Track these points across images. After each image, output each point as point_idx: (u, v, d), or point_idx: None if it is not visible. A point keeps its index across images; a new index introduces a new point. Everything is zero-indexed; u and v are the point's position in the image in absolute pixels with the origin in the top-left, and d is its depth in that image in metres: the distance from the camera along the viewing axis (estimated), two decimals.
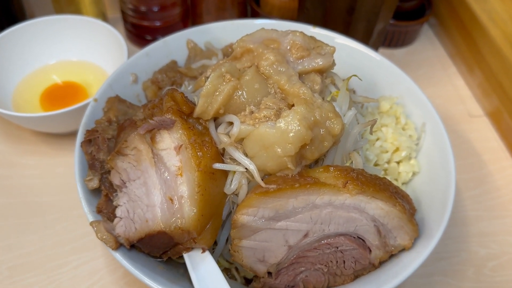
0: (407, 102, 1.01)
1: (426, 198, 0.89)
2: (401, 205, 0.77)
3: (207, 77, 0.84)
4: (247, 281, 0.87)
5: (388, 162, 0.94)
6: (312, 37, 0.87)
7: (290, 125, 0.71)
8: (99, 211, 0.79)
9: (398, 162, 0.94)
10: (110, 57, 1.26)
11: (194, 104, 0.80)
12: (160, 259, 0.79)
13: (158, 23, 1.37)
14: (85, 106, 1.05)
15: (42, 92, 1.24)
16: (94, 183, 0.80)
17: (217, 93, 0.77)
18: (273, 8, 1.40)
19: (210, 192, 0.73)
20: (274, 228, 0.73)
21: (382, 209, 0.76)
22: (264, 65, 0.80)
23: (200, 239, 0.73)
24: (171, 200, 0.73)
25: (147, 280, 0.72)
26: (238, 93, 0.78)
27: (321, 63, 0.83)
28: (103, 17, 1.48)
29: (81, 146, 0.84)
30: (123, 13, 1.39)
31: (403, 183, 0.94)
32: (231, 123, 0.78)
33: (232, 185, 0.76)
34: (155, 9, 1.34)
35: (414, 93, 0.99)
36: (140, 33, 1.41)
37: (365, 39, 1.19)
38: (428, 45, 1.53)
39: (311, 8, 1.19)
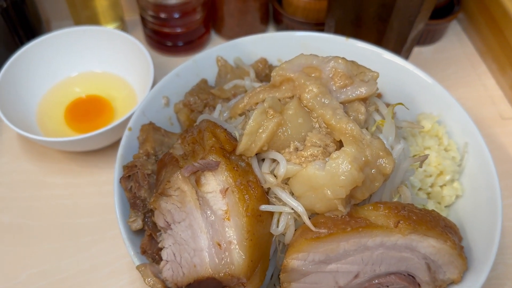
0: (447, 119, 0.98)
1: (471, 223, 0.88)
2: (451, 240, 0.75)
3: (248, 110, 0.82)
4: None
5: (432, 186, 0.92)
6: (354, 63, 0.83)
7: (341, 168, 0.69)
8: (143, 251, 0.78)
9: (441, 186, 0.92)
10: (133, 68, 1.23)
11: (236, 140, 0.78)
12: None
13: (179, 30, 1.33)
14: (116, 127, 1.03)
15: (66, 107, 1.21)
16: (138, 224, 0.78)
17: (261, 130, 0.75)
18: (297, 9, 1.35)
19: (258, 235, 0.72)
20: (324, 271, 0.72)
21: (433, 247, 0.74)
22: (307, 98, 0.77)
23: (249, 283, 0.72)
24: (219, 245, 0.71)
25: None
26: (282, 129, 0.76)
27: (365, 92, 0.80)
28: (121, 21, 1.43)
29: (120, 182, 0.82)
30: (143, 18, 1.35)
31: (445, 206, 0.92)
32: (274, 160, 0.76)
33: (280, 226, 0.74)
34: (176, 15, 1.29)
35: (455, 110, 0.96)
36: (160, 39, 1.37)
37: (398, 46, 1.15)
38: (456, 42, 1.48)
39: (341, 15, 1.15)
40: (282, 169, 0.73)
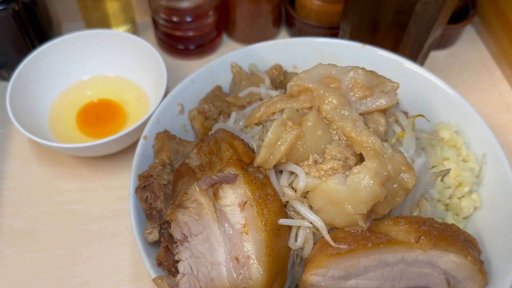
0: (465, 128, 0.96)
1: (489, 235, 0.86)
2: (472, 255, 0.74)
3: (266, 121, 0.81)
4: None
5: (450, 197, 0.90)
6: (374, 73, 0.82)
7: (363, 183, 0.68)
8: (159, 263, 0.77)
9: (460, 198, 0.90)
10: (145, 72, 1.22)
11: (253, 152, 0.77)
12: None
13: (191, 33, 1.32)
14: (129, 133, 1.02)
15: (77, 112, 1.20)
16: (154, 236, 0.77)
17: (280, 143, 0.73)
18: (310, 12, 1.34)
19: (276, 250, 0.71)
20: (344, 287, 0.71)
21: (454, 262, 0.73)
22: (326, 110, 0.76)
23: None
24: (237, 259, 0.70)
25: None
26: (301, 141, 0.74)
27: (385, 103, 0.79)
28: (132, 23, 1.42)
29: (136, 192, 0.81)
30: (154, 21, 1.33)
31: (463, 218, 0.91)
32: (293, 173, 0.75)
33: (298, 241, 0.73)
34: (188, 19, 1.28)
35: (473, 119, 0.94)
36: (172, 42, 1.36)
37: (414, 53, 1.14)
38: (470, 46, 1.46)
39: (357, 20, 1.13)
40: (302, 183, 0.71)
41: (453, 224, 0.78)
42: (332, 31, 1.32)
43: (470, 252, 0.74)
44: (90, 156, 1.16)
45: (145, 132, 0.90)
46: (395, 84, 0.81)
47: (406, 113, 1.05)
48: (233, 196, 0.72)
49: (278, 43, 1.06)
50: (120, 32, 1.24)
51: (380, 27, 1.10)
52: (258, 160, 0.74)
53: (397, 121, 0.83)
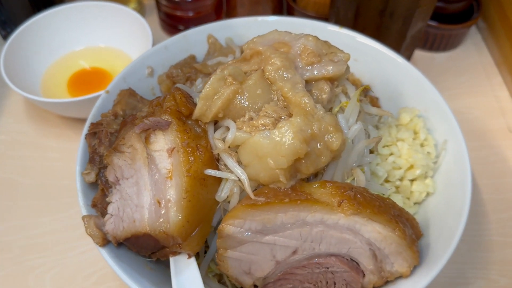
0: (431, 115, 0.94)
1: (437, 222, 0.83)
2: (401, 230, 0.72)
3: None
4: None
5: (401, 179, 0.88)
6: (326, 42, 0.82)
7: (284, 137, 0.68)
8: (93, 205, 0.79)
9: (412, 180, 0.88)
10: (137, 45, 1.27)
11: (195, 106, 0.78)
12: (150, 259, 0.79)
13: (191, 13, 1.36)
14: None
15: (69, 77, 1.26)
16: (91, 177, 0.80)
17: (217, 97, 0.75)
18: (308, 3, 1.35)
19: (199, 198, 0.72)
20: (261, 241, 0.71)
21: (379, 233, 0.71)
22: (269, 70, 0.77)
23: (186, 245, 0.72)
24: (159, 203, 0.72)
25: (128, 280, 0.71)
26: (239, 97, 0.75)
27: (331, 71, 0.78)
28: (140, 5, 1.48)
29: (86, 138, 0.85)
30: (157, 2, 1.38)
31: (415, 203, 0.88)
32: (229, 128, 0.76)
33: (223, 192, 0.74)
34: None
35: (439, 106, 0.92)
36: (173, 22, 1.40)
37: (398, 42, 1.12)
38: (473, 50, 1.42)
39: (342, 8, 1.14)
40: (230, 135, 0.72)
41: (388, 198, 0.77)
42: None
43: (400, 226, 0.72)
44: (75, 117, 1.20)
45: (108, 87, 0.93)
46: (347, 55, 0.81)
47: (376, 99, 1.04)
48: (163, 142, 0.73)
49: (257, 21, 1.07)
50: (114, 4, 1.29)
51: (363, 15, 1.10)
52: (196, 112, 0.76)
53: (346, 93, 0.82)
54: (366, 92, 1.04)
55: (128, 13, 1.27)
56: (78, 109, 1.13)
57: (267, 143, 0.69)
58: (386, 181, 0.87)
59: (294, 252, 0.72)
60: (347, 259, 0.74)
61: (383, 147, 0.87)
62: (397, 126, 0.92)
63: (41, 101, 1.11)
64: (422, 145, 0.90)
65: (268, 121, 0.73)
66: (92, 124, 0.85)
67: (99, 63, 1.29)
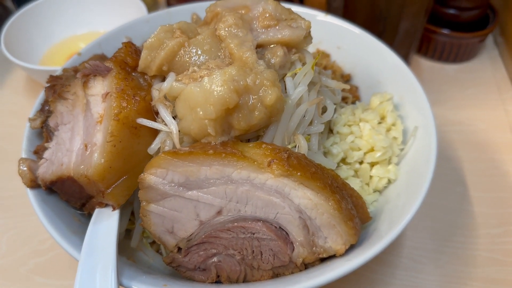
0: (407, 102, 0.87)
1: (393, 209, 0.76)
2: (336, 200, 0.65)
3: None
4: None
5: (360, 162, 0.81)
6: (288, 9, 0.79)
7: (214, 85, 0.65)
8: (35, 151, 0.78)
9: (372, 165, 0.81)
10: None
11: None
12: (81, 212, 0.76)
13: None
14: None
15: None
16: (36, 124, 0.79)
17: (161, 47, 0.73)
18: None
19: (126, 146, 0.69)
20: (184, 196, 0.66)
21: (310, 200, 0.65)
22: (221, 27, 0.75)
23: (108, 194, 0.69)
24: (86, 146, 0.69)
25: (46, 222, 0.69)
26: (184, 51, 0.73)
27: (287, 35, 0.75)
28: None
29: (45, 90, 0.85)
30: None
31: (375, 190, 0.81)
32: None
33: (154, 144, 0.71)
34: None
35: (415, 93, 0.85)
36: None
37: (390, 36, 1.07)
38: (488, 65, 1.34)
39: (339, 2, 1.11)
40: (166, 84, 0.70)
41: (331, 170, 0.70)
42: None
43: (336, 197, 0.66)
44: None
45: (81, 50, 0.94)
46: (307, 22, 0.78)
47: (356, 88, 0.98)
48: (100, 87, 0.72)
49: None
50: None
51: (356, 8, 1.06)
52: (140, 63, 0.74)
53: (304, 63, 0.78)
54: (346, 80, 0.99)
55: (132, 0, 1.29)
56: None
57: (197, 91, 0.66)
58: (344, 162, 0.81)
59: (219, 213, 0.67)
60: (275, 227, 0.68)
61: (344, 125, 0.81)
62: (366, 110, 0.86)
63: (31, 69, 1.13)
64: (388, 129, 0.83)
65: (206, 73, 0.70)
66: (50, 76, 0.85)
67: None
